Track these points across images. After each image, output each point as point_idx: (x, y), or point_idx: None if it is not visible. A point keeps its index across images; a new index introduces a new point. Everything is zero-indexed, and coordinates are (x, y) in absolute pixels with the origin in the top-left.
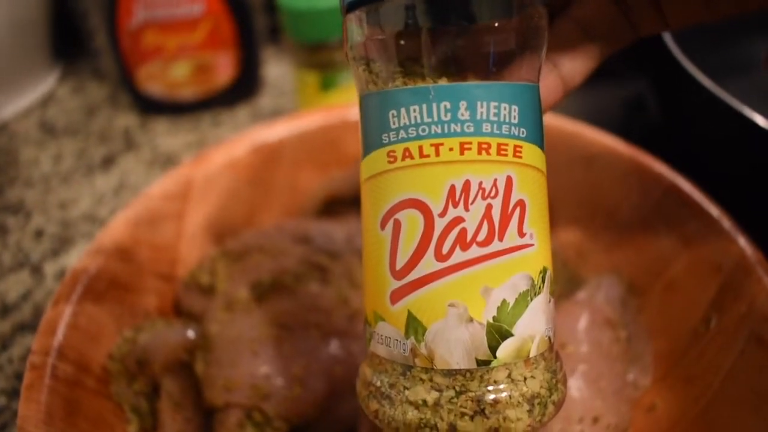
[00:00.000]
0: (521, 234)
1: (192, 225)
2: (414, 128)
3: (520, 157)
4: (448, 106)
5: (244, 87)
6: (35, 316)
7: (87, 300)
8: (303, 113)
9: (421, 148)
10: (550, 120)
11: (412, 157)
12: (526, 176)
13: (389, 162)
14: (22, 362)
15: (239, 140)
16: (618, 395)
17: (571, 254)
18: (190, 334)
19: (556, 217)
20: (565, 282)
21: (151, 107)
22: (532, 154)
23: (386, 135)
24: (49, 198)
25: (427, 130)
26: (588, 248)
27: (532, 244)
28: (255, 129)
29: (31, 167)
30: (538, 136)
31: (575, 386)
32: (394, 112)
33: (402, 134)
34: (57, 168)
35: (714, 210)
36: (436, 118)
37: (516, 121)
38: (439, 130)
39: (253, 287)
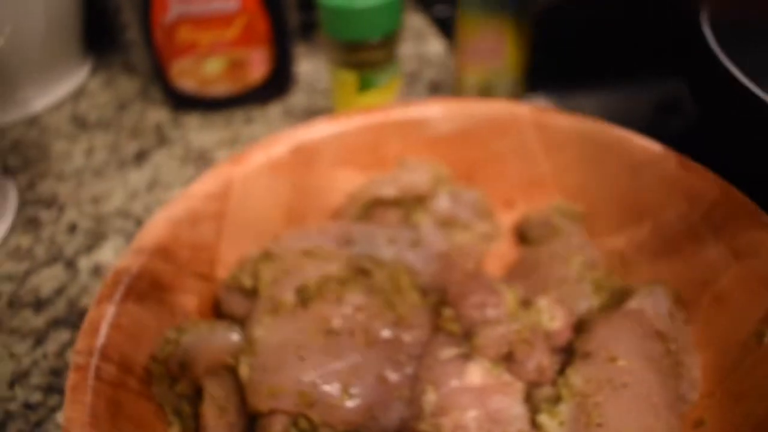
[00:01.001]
0: None
1: (231, 225)
2: None
3: None
4: None
5: (277, 84)
6: (70, 312)
7: (129, 300)
8: (342, 113)
9: None
10: (597, 125)
11: None
12: None
13: None
14: (57, 358)
15: (278, 139)
16: (670, 410)
17: (616, 263)
18: (234, 337)
19: (600, 225)
20: (609, 292)
21: (183, 103)
22: None
23: None
24: (81, 192)
25: None
26: (633, 257)
27: None
28: (294, 128)
29: (63, 161)
30: None
31: (627, 401)
32: None
33: None
34: (89, 162)
35: None
36: None
37: None
38: None
39: (299, 291)
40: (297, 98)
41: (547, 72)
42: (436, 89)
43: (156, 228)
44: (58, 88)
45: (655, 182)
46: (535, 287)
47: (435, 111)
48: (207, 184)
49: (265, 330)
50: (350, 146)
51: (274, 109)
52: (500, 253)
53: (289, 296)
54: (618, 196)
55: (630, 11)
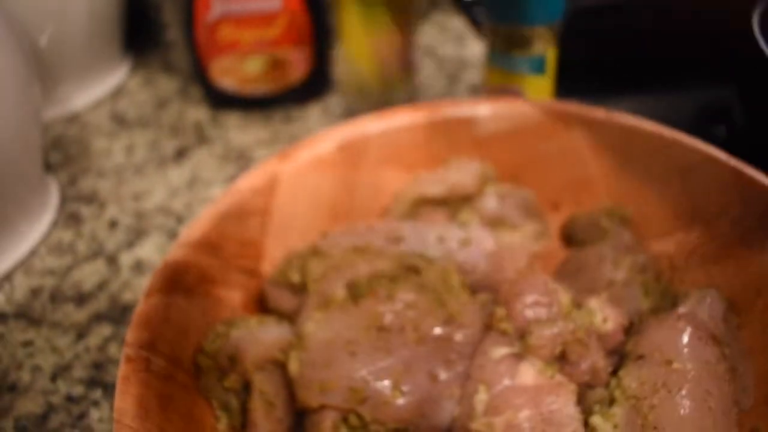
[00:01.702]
0: None
1: (277, 221)
2: None
3: None
4: None
5: (317, 84)
6: (111, 307)
7: (178, 293)
8: (389, 111)
9: None
10: (647, 126)
11: None
12: None
13: None
14: (99, 352)
15: (325, 137)
16: (727, 415)
17: (665, 267)
18: (284, 332)
19: (648, 228)
20: (658, 295)
21: (222, 101)
22: None
23: None
24: (122, 189)
25: None
26: (683, 261)
27: None
28: (341, 126)
29: (103, 158)
30: None
31: (684, 405)
32: None
33: None
34: (130, 159)
35: None
36: None
37: None
38: None
39: (350, 287)
40: (336, 98)
41: (581, 76)
42: (477, 91)
43: (203, 222)
44: (99, 86)
45: (707, 186)
46: (583, 289)
47: (483, 110)
48: (254, 179)
49: (315, 325)
50: (397, 144)
51: (313, 109)
52: (546, 255)
53: (339, 292)
54: (668, 199)
55: (670, 14)
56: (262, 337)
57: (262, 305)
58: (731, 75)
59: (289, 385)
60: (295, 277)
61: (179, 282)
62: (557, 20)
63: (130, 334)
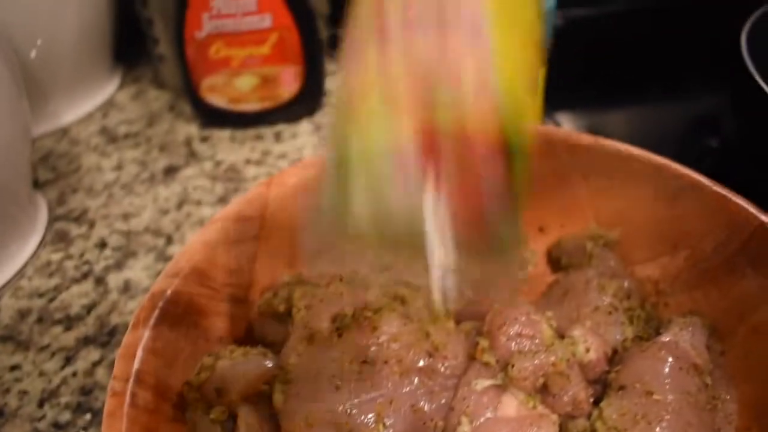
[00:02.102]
0: None
1: (265, 248)
2: None
3: None
4: None
5: (308, 101)
6: (100, 330)
7: (164, 324)
8: None
9: None
10: (635, 151)
11: None
12: None
13: None
14: (87, 377)
15: (312, 162)
16: None
17: (650, 292)
18: (269, 364)
19: (634, 253)
20: (643, 322)
21: (212, 118)
22: None
23: None
24: (111, 208)
25: None
26: (667, 286)
27: None
28: None
29: (93, 175)
30: None
31: None
32: None
33: None
34: (119, 177)
35: None
36: None
37: None
38: None
39: (334, 319)
40: (327, 115)
41: (575, 88)
42: None
43: (191, 251)
44: (89, 101)
45: (692, 211)
46: (569, 315)
47: None
48: (242, 206)
49: (299, 358)
50: None
51: (304, 126)
52: (532, 279)
53: (324, 324)
54: (654, 224)
55: (662, 25)
56: (247, 369)
57: (250, 334)
58: (724, 86)
59: (274, 418)
60: (281, 308)
61: (166, 313)
62: (547, 40)
63: (117, 367)
